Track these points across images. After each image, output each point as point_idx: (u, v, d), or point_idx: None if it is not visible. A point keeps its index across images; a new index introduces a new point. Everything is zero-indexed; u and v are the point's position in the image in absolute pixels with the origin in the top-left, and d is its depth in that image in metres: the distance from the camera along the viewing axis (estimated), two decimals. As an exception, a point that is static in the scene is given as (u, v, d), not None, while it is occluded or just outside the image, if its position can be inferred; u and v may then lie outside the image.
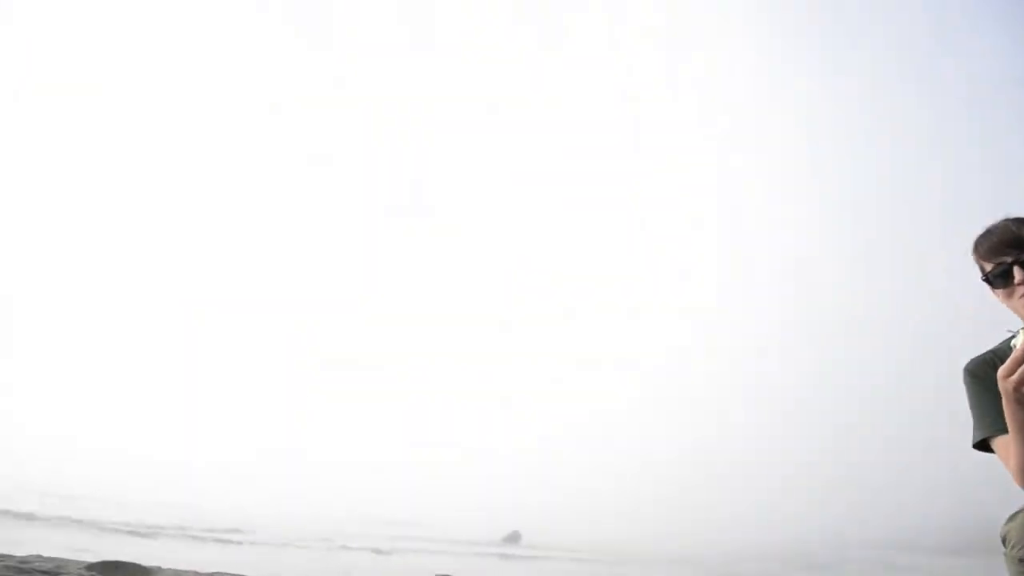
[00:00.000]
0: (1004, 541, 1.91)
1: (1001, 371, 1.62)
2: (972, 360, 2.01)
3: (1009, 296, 1.91)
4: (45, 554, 7.47)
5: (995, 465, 1.91)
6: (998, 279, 1.92)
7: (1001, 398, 1.67)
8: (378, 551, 17.43)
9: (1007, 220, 1.96)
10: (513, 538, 27.47)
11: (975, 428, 1.95)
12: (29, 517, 15.63)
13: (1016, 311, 1.90)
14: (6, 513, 15.54)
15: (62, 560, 6.56)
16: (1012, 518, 1.91)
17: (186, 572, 6.63)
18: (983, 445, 1.94)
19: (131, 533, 14.55)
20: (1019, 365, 1.58)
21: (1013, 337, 1.81)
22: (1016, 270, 1.88)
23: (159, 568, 6.36)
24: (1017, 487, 1.80)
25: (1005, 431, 1.76)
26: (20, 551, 7.05)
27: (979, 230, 2.01)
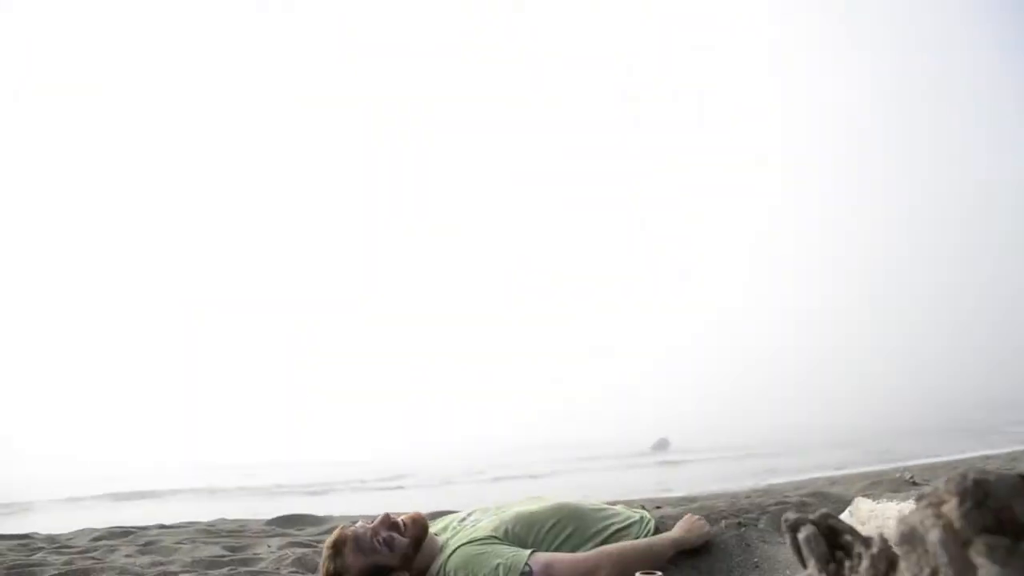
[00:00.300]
0: None
1: None
2: None
3: None
4: (229, 517, 7.80)
5: None
6: None
7: None
8: (534, 476, 17.65)
9: None
10: (662, 445, 27.42)
11: None
12: (211, 491, 16.64)
13: None
14: (192, 490, 16.64)
15: (244, 520, 6.78)
16: None
17: (357, 516, 6.71)
18: None
19: (305, 493, 15.21)
20: None
21: None
22: None
23: (331, 516, 6.44)
24: None
25: None
26: (207, 518, 7.41)
27: None
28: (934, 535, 0.55)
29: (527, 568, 2.53)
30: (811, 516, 0.69)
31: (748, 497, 3.33)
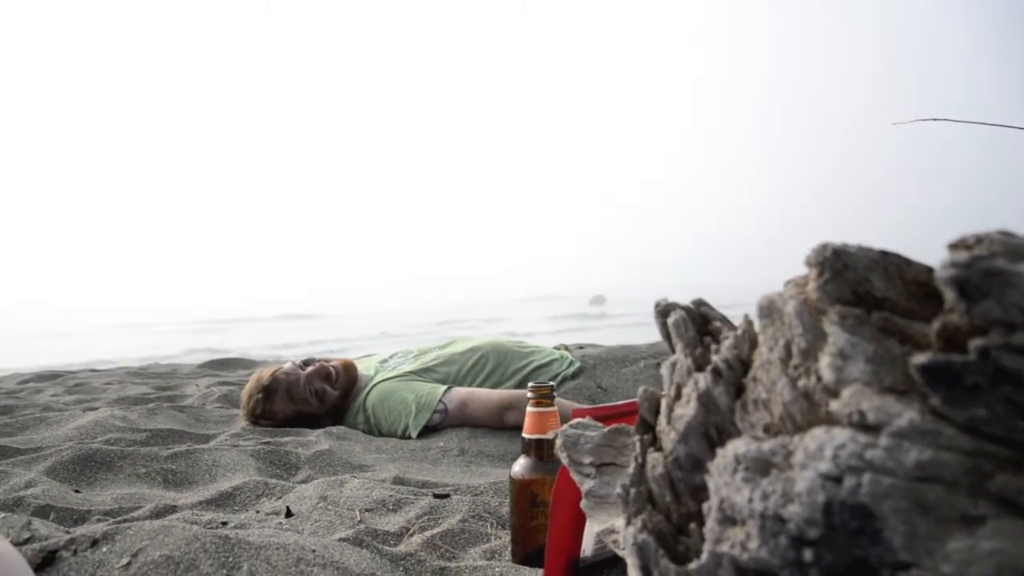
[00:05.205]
0: None
1: None
2: None
3: None
4: (161, 361, 7.80)
5: None
6: None
7: None
8: (473, 325, 17.99)
9: None
10: (598, 300, 28.24)
11: None
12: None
13: None
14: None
15: (176, 364, 6.79)
16: None
17: (285, 360, 6.79)
18: None
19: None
20: None
21: None
22: None
23: (265, 360, 6.46)
24: None
25: None
26: (139, 363, 7.42)
27: None
28: (791, 306, 0.54)
29: (441, 404, 2.57)
30: (683, 303, 0.68)
31: (670, 341, 3.40)
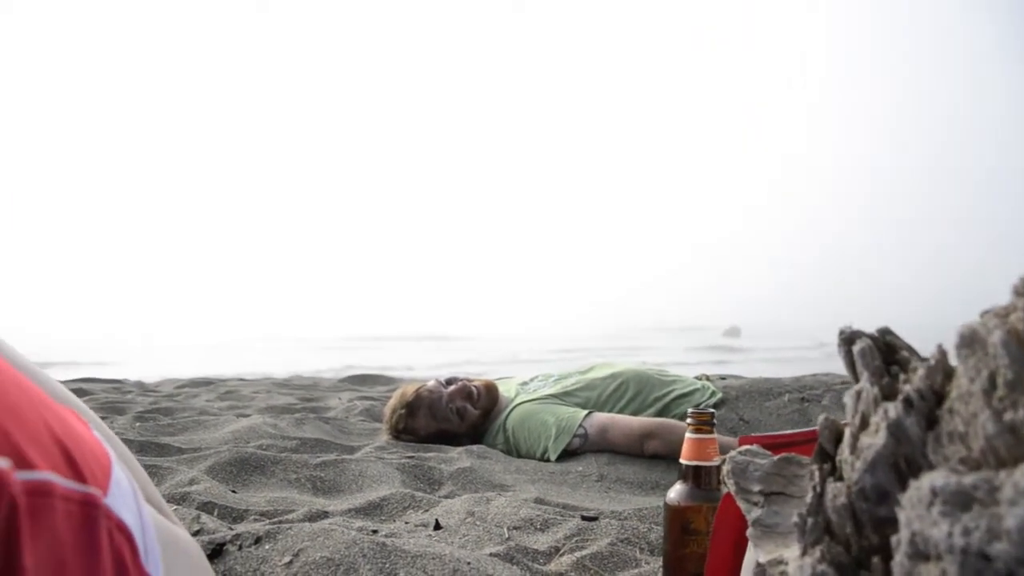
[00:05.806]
0: None
1: None
2: None
3: None
4: (304, 374, 8.19)
5: None
6: None
7: None
8: (605, 352, 17.87)
9: None
10: (733, 332, 27.49)
11: None
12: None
13: None
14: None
15: (318, 377, 7.11)
16: None
17: (427, 378, 6.96)
18: None
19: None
20: None
21: None
22: None
23: (402, 378, 6.66)
24: None
25: None
26: (283, 374, 7.84)
27: None
28: (997, 336, 0.52)
29: (582, 429, 2.57)
30: (867, 331, 0.67)
31: (814, 376, 3.30)
